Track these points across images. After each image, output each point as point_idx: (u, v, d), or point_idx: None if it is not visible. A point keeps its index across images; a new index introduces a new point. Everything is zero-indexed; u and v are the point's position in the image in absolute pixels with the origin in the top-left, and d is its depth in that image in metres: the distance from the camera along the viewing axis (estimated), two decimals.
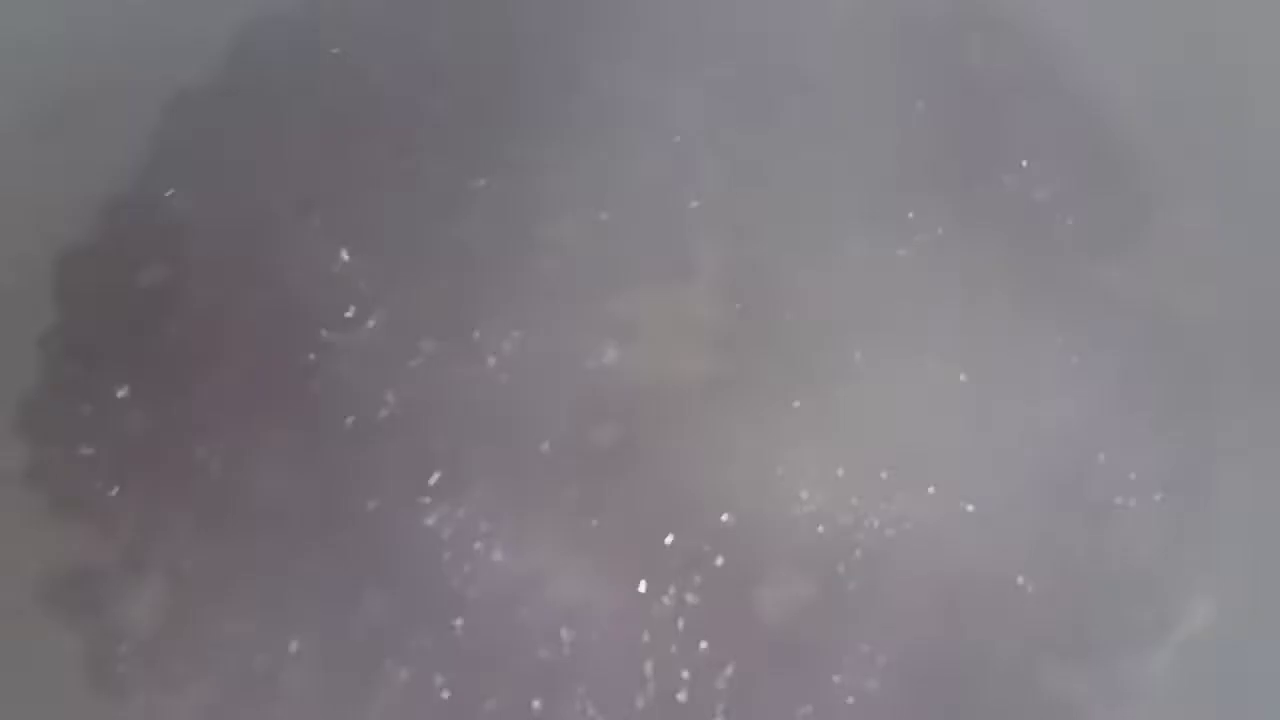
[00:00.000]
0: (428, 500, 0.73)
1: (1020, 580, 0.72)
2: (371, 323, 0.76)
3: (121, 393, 0.76)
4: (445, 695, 0.69)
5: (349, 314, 0.76)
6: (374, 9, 0.83)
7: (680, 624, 0.72)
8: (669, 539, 0.73)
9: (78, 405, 0.77)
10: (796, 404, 0.75)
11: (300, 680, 0.71)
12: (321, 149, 0.79)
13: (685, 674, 0.71)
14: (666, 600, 0.72)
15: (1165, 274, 0.78)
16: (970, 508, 0.73)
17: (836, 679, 0.70)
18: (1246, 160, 0.76)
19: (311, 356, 0.76)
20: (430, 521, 0.73)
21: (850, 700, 0.70)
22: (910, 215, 0.77)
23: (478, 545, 0.72)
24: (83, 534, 0.75)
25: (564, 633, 0.71)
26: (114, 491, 0.75)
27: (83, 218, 0.79)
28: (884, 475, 0.73)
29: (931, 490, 0.73)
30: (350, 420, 0.74)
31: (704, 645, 0.71)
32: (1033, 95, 0.81)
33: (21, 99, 0.76)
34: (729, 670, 0.71)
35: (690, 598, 0.72)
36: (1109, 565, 0.73)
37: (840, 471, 0.73)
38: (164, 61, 0.80)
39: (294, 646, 0.71)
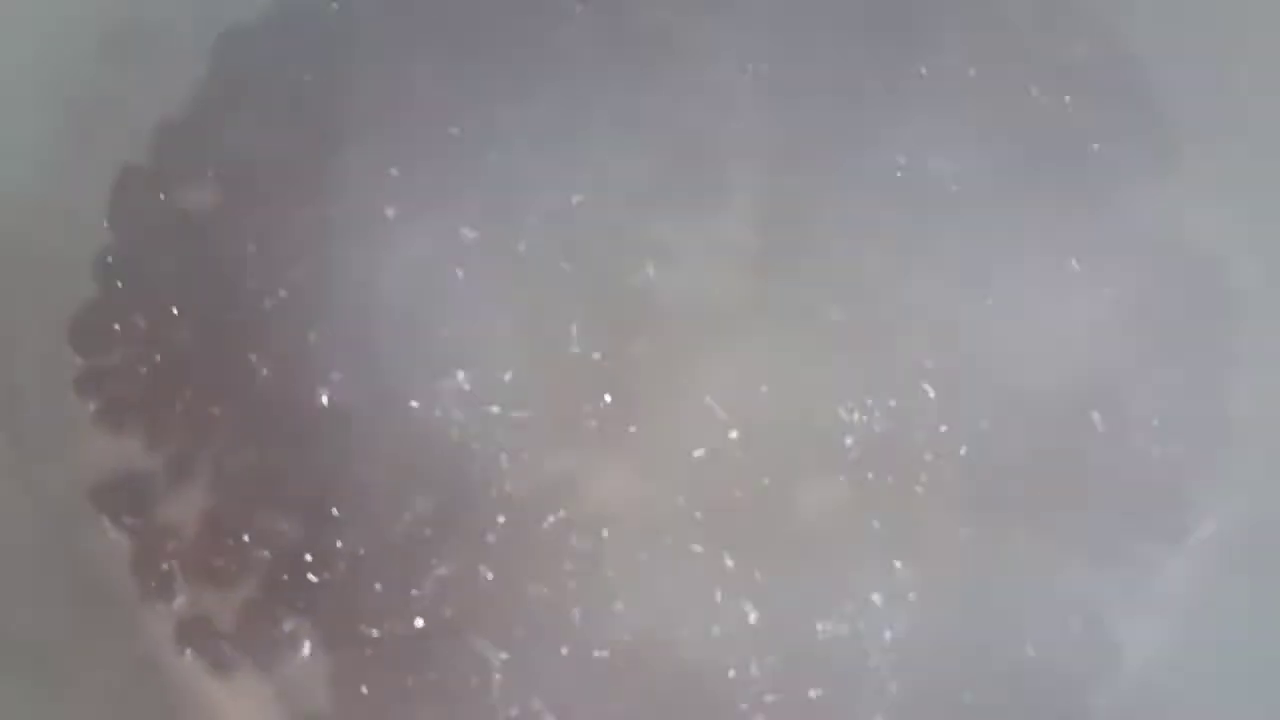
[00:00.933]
0: (470, 403, 0.75)
1: (1042, 488, 0.73)
2: (417, 235, 0.78)
3: (172, 306, 0.78)
4: (489, 578, 0.71)
5: (395, 223, 0.78)
6: None
7: (714, 529, 0.73)
8: (700, 451, 0.75)
9: (129, 318, 0.79)
10: (830, 319, 0.77)
11: (344, 577, 0.73)
12: (370, 75, 0.82)
13: (718, 575, 0.72)
14: (699, 506, 0.74)
15: (1189, 207, 0.80)
16: (993, 419, 0.74)
17: (864, 583, 0.72)
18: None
19: (359, 268, 0.78)
20: (474, 425, 0.74)
21: (877, 600, 0.72)
22: (941, 134, 0.79)
23: (519, 448, 0.74)
24: (131, 440, 0.77)
25: (603, 531, 0.73)
26: (162, 400, 0.77)
27: (139, 140, 0.82)
28: (914, 388, 0.75)
29: (958, 402, 0.74)
30: (398, 329, 0.76)
31: (737, 549, 0.73)
32: (1064, 26, 0.83)
33: (91, 23, 0.78)
34: (757, 575, 0.72)
35: (724, 506, 0.73)
36: (1128, 474, 0.74)
37: (871, 384, 0.75)
38: None
39: (338, 545, 0.73)
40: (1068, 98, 0.81)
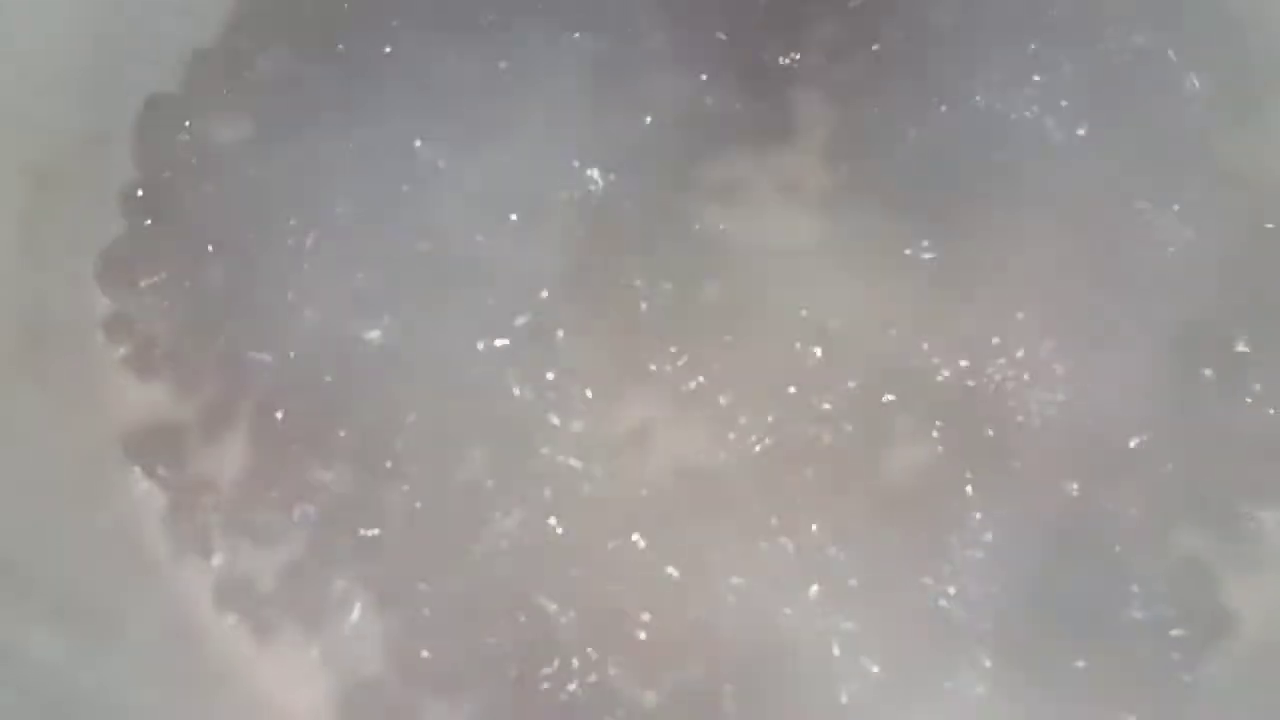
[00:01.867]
0: (531, 351, 0.70)
1: (1148, 439, 0.69)
2: (467, 174, 0.73)
3: (206, 244, 0.73)
4: (560, 531, 0.66)
5: (442, 160, 0.73)
6: None
7: (789, 485, 0.68)
8: (773, 401, 0.70)
9: (159, 256, 0.74)
10: (906, 259, 0.72)
11: (398, 533, 0.68)
12: (406, 5, 0.77)
13: (794, 534, 0.68)
14: (774, 460, 0.69)
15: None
16: (1093, 364, 0.70)
17: (957, 545, 0.67)
18: None
19: (401, 210, 0.73)
20: (535, 373, 0.70)
21: (972, 562, 0.67)
22: (1030, 71, 0.75)
23: (582, 398, 0.70)
24: (164, 386, 0.72)
25: (672, 486, 0.68)
26: (197, 343, 0.72)
27: (167, 68, 0.77)
28: (1001, 331, 0.70)
29: (1051, 345, 0.70)
30: (452, 272, 0.71)
31: (815, 507, 0.68)
32: None
33: None
34: (840, 535, 0.67)
35: (802, 459, 0.69)
36: (1238, 432, 0.70)
37: (956, 326, 0.71)
38: None
39: (391, 499, 0.68)
40: (1160, 41, 0.76)
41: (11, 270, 0.71)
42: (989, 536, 0.67)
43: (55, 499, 0.68)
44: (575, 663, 0.65)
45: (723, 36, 0.77)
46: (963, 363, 0.69)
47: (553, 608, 0.66)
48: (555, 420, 0.69)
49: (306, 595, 0.68)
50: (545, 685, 0.65)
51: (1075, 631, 0.66)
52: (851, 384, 0.70)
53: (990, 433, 0.68)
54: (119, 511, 0.70)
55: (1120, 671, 0.65)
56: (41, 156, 0.72)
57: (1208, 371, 0.70)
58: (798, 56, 0.77)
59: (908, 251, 0.72)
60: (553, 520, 0.67)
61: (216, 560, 0.70)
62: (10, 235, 0.71)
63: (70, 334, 0.72)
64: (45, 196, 0.72)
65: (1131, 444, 0.68)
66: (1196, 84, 0.75)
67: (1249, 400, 0.69)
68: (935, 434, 0.69)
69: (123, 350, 0.73)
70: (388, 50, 0.76)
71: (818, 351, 0.70)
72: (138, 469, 0.71)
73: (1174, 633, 0.66)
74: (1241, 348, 0.70)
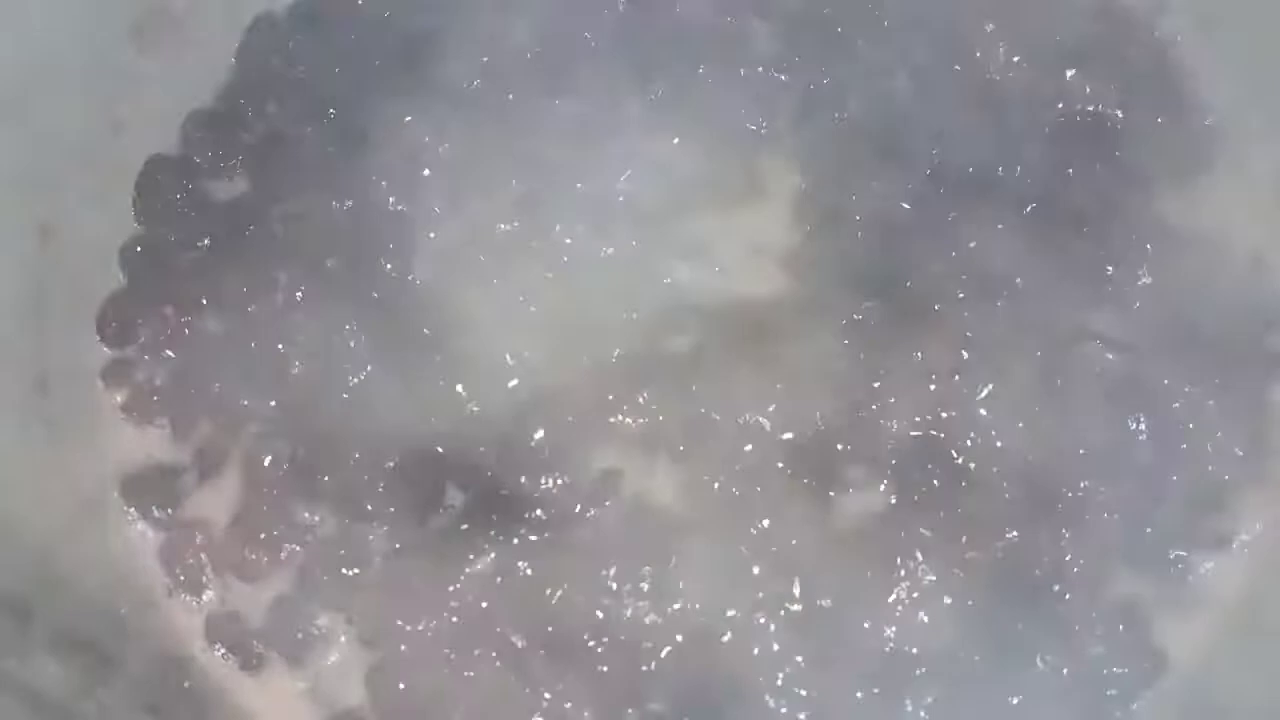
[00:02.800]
0: (507, 398, 0.74)
1: (1086, 489, 0.73)
2: (450, 228, 0.78)
3: (200, 297, 0.77)
4: (528, 573, 0.70)
5: (427, 216, 0.78)
6: None
7: (755, 526, 0.72)
8: (737, 448, 0.74)
9: (156, 308, 0.78)
10: (858, 317, 0.76)
11: (380, 573, 0.72)
12: (399, 66, 0.81)
13: (757, 571, 0.72)
14: (739, 503, 0.73)
15: (1223, 209, 0.80)
16: (1033, 419, 0.73)
17: (905, 586, 0.71)
18: None
19: (388, 265, 0.77)
20: (510, 419, 0.74)
21: (919, 604, 0.71)
22: (977, 137, 0.79)
23: (556, 443, 0.74)
24: (159, 431, 0.77)
25: (641, 527, 0.72)
26: (191, 391, 0.76)
27: (166, 130, 0.81)
28: (948, 387, 0.74)
29: (994, 400, 0.74)
30: (432, 322, 0.75)
31: (777, 546, 0.72)
32: (1098, 35, 0.83)
33: (121, 12, 0.78)
34: (799, 573, 0.71)
35: (764, 502, 0.73)
36: (1171, 479, 0.73)
37: (906, 382, 0.74)
38: None
39: (373, 540, 0.72)
40: (1105, 98, 0.80)
41: (20, 321, 0.75)
42: (933, 579, 0.71)
43: (58, 538, 0.72)
44: (545, 696, 0.69)
45: (696, 102, 0.82)
46: (912, 416, 0.73)
47: (522, 644, 0.70)
48: (526, 464, 0.73)
49: (292, 630, 0.72)
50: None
51: (1015, 669, 0.70)
52: (808, 433, 0.74)
53: (936, 482, 0.72)
54: (117, 550, 0.74)
55: (1058, 708, 0.69)
56: (48, 214, 0.76)
57: (1141, 425, 0.73)
58: (765, 124, 0.81)
59: (862, 309, 0.76)
60: (523, 562, 0.71)
61: (208, 596, 0.74)
62: (19, 288, 0.75)
63: (72, 382, 0.76)
64: (51, 251, 0.76)
65: (1070, 493, 0.72)
66: (1141, 149, 0.79)
67: (1181, 453, 0.73)
68: (884, 483, 0.73)
69: (121, 397, 0.77)
70: (373, 114, 0.80)
71: (776, 401, 0.74)
72: (134, 510, 0.75)
73: (1110, 671, 0.70)
74: (1175, 404, 0.74)
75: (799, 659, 0.70)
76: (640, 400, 0.75)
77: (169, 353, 0.77)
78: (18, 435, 0.73)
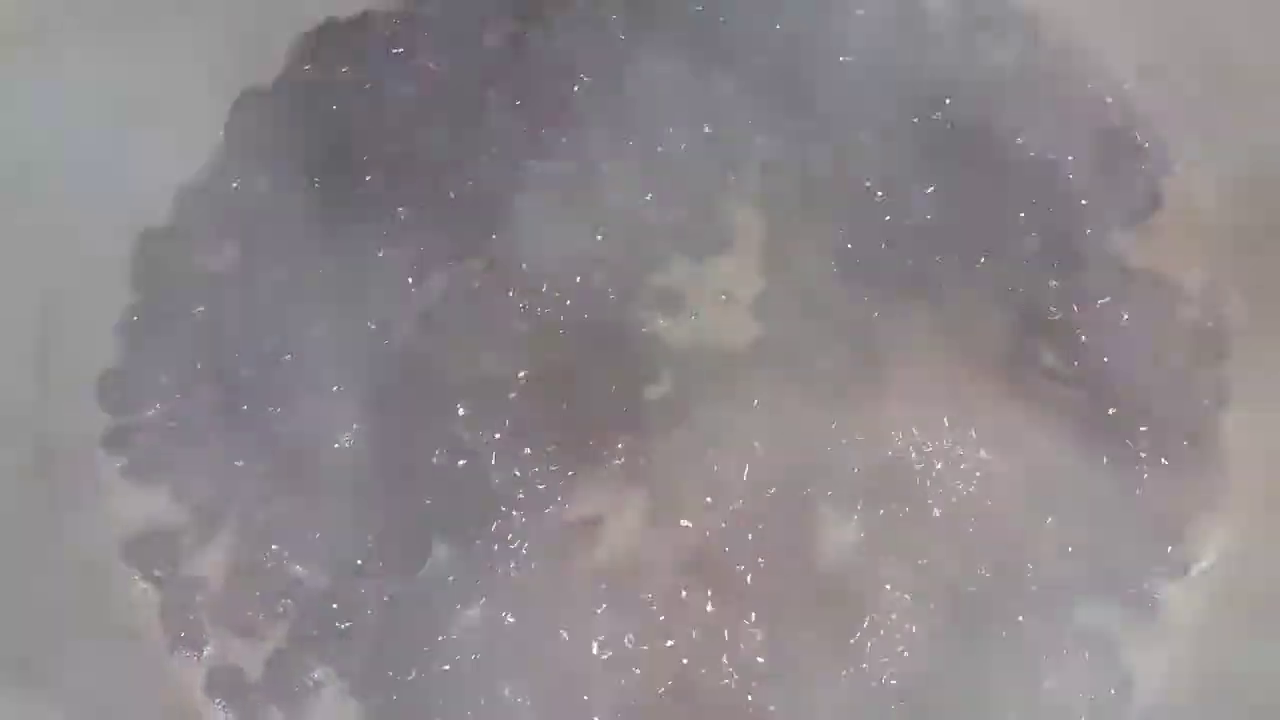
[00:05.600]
0: (488, 450, 0.77)
1: (1052, 522, 0.75)
2: (432, 287, 0.81)
3: (195, 364, 0.81)
4: (511, 621, 0.73)
5: (410, 276, 0.81)
6: (431, 11, 0.88)
7: (730, 570, 0.75)
8: (713, 495, 0.77)
9: (154, 376, 0.81)
10: (831, 364, 0.79)
11: (369, 625, 0.75)
12: (382, 134, 0.84)
13: (736, 616, 0.74)
14: (715, 548, 0.76)
15: (1173, 246, 0.83)
16: (999, 455, 0.76)
17: (878, 622, 0.74)
18: (1249, 141, 0.81)
19: (374, 327, 0.80)
20: (492, 471, 0.77)
21: (889, 638, 0.73)
22: (930, 187, 0.82)
23: (537, 493, 0.76)
24: (158, 494, 0.79)
25: (623, 573, 0.75)
26: (188, 454, 0.79)
27: (160, 202, 0.85)
28: (916, 426, 0.77)
29: (960, 437, 0.77)
30: (414, 379, 0.79)
31: (753, 590, 0.75)
32: (1047, 85, 0.86)
33: (112, 93, 0.80)
34: (776, 615, 0.74)
35: (740, 547, 0.75)
36: (1131, 510, 0.76)
37: (875, 421, 0.77)
38: (233, 60, 0.86)
39: (363, 593, 0.75)
40: (1055, 145, 0.83)
41: (25, 390, 0.78)
42: (903, 614, 0.73)
43: (63, 600, 0.75)
44: None
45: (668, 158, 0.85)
46: (882, 454, 0.76)
47: (509, 693, 0.72)
48: (513, 513, 0.76)
49: (289, 683, 0.75)
50: None
51: (987, 699, 0.72)
52: (780, 475, 0.76)
53: (903, 519, 0.75)
54: (119, 610, 0.77)
55: None
56: (49, 285, 0.79)
57: (1105, 459, 0.76)
58: (733, 176, 0.84)
59: (831, 353, 0.79)
60: (509, 612, 0.73)
61: (208, 652, 0.76)
62: (22, 358, 0.78)
63: (74, 448, 0.79)
64: (52, 321, 0.79)
65: (1037, 527, 0.75)
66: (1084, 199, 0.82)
67: (1139, 484, 0.76)
68: (855, 519, 0.76)
69: (122, 462, 0.80)
70: (359, 182, 0.84)
71: (749, 446, 0.77)
72: (136, 571, 0.78)
73: (1080, 697, 0.72)
74: (1138, 441, 0.77)
75: (781, 694, 0.72)
76: (619, 447, 0.78)
77: (167, 418, 0.80)
78: (20, 502, 0.76)
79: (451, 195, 0.83)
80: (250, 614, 0.76)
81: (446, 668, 0.73)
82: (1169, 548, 0.76)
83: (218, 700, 0.75)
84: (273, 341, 0.81)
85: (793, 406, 0.78)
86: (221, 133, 0.87)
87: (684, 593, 0.75)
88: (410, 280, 0.82)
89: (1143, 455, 0.77)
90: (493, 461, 0.77)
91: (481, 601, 0.74)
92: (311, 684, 0.74)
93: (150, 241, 0.84)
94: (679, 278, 0.83)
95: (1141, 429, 0.77)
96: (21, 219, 0.78)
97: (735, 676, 0.73)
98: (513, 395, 0.79)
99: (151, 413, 0.81)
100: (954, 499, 0.76)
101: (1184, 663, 0.74)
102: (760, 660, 0.73)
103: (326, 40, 0.89)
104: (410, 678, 0.73)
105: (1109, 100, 0.85)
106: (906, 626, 0.73)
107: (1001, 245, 0.81)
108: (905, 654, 0.73)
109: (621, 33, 0.86)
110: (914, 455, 0.76)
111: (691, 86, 0.86)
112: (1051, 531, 0.75)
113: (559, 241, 0.82)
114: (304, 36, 0.88)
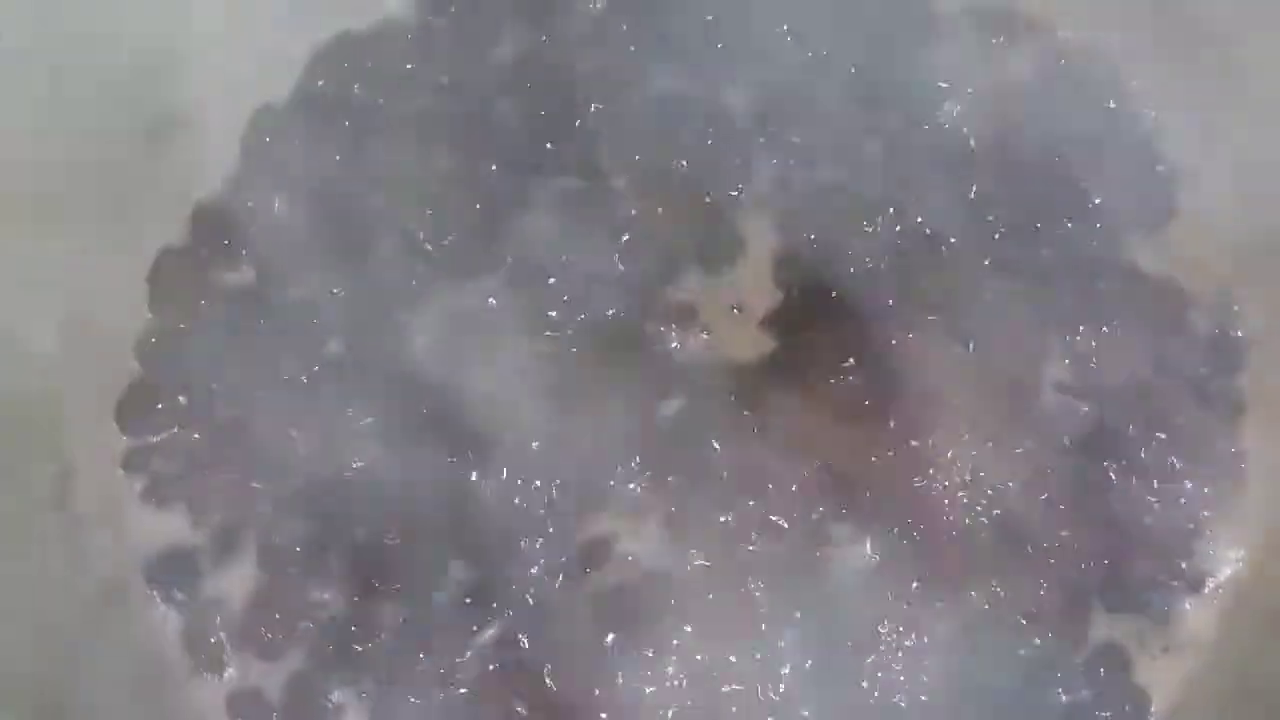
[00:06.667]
0: (505, 470, 0.78)
1: (1065, 538, 0.76)
2: (447, 306, 0.81)
3: (212, 384, 0.81)
4: (527, 644, 0.73)
5: (425, 295, 0.82)
6: (443, 29, 0.88)
7: (749, 585, 0.76)
8: (730, 513, 0.77)
9: (172, 397, 0.82)
10: (846, 378, 0.79)
11: (388, 647, 0.75)
12: (397, 151, 0.84)
13: (758, 633, 0.75)
14: (733, 566, 0.76)
15: (1188, 256, 0.82)
16: (1012, 471, 0.76)
17: (896, 638, 0.74)
18: (1264, 152, 0.81)
19: (392, 341, 0.81)
20: (509, 491, 0.77)
21: (908, 654, 0.74)
22: (948, 197, 0.82)
23: (554, 513, 0.77)
24: (178, 516, 0.80)
25: (640, 593, 0.76)
26: (207, 476, 0.80)
27: (176, 223, 0.85)
28: (927, 443, 0.77)
29: (973, 454, 0.77)
30: (431, 399, 0.79)
31: (769, 608, 0.75)
32: (1061, 95, 0.85)
33: (128, 111, 0.81)
34: (795, 632, 0.75)
35: (758, 564, 0.76)
36: (1146, 523, 0.76)
37: (887, 438, 0.77)
38: (249, 77, 0.86)
39: (381, 615, 0.76)
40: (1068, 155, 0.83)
41: (43, 414, 0.79)
42: (920, 629, 0.74)
43: (84, 623, 0.75)
44: None
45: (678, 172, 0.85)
46: (891, 474, 0.76)
47: (526, 713, 0.73)
48: (527, 533, 0.77)
49: (309, 705, 0.75)
50: None
51: (1003, 716, 0.72)
52: (794, 492, 0.77)
53: (917, 536, 0.75)
54: (141, 633, 0.78)
55: None
56: (67, 309, 0.79)
57: (1112, 473, 0.76)
58: (742, 189, 0.84)
59: (843, 368, 0.79)
60: (527, 632, 0.74)
61: (229, 674, 0.77)
62: (42, 383, 0.79)
63: (94, 471, 0.80)
64: (71, 345, 0.79)
65: (1050, 543, 0.75)
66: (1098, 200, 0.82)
67: (1152, 498, 0.76)
68: (869, 538, 0.76)
69: (141, 484, 0.80)
70: (374, 201, 0.84)
71: (763, 463, 0.77)
72: (157, 593, 0.79)
73: (1097, 714, 0.73)
74: (1151, 453, 0.77)
75: (805, 714, 0.73)
76: (633, 466, 0.78)
77: (186, 439, 0.81)
78: (42, 526, 0.76)
79: (463, 210, 0.84)
80: (270, 636, 0.77)
81: (464, 690, 0.73)
82: (1183, 562, 0.75)
83: None
84: (289, 362, 0.81)
85: (803, 422, 0.78)
86: (238, 151, 0.86)
87: (701, 609, 0.75)
88: (426, 299, 0.82)
89: (1158, 469, 0.77)
90: (508, 481, 0.77)
91: (499, 623, 0.75)
92: (331, 706, 0.75)
93: (167, 261, 0.84)
94: (691, 292, 0.83)
95: (1156, 440, 0.76)
96: (38, 240, 0.78)
97: (756, 694, 0.73)
98: (528, 413, 0.79)
99: (169, 434, 0.81)
100: (967, 516, 0.76)
101: (1199, 677, 0.74)
102: (781, 678, 0.74)
103: (341, 55, 0.89)
104: (428, 697, 0.74)
105: (1124, 110, 0.84)
106: (918, 644, 0.74)
107: (1015, 256, 0.81)
108: (915, 672, 0.73)
109: (632, 44, 0.86)
110: (930, 471, 0.76)
111: (702, 98, 0.86)
112: (1064, 548, 0.75)
113: (571, 256, 0.83)
114: (318, 51, 0.88)
